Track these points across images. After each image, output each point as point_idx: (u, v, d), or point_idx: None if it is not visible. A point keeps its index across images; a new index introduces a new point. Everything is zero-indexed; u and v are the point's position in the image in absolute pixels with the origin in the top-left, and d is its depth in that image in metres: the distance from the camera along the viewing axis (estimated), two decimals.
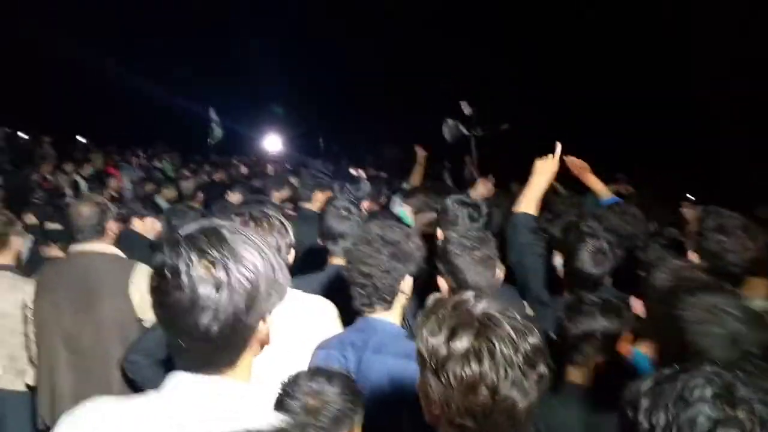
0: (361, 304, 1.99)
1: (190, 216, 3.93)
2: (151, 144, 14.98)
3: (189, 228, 1.08)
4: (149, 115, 16.98)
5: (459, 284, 2.17)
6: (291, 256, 2.12)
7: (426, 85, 15.29)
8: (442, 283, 2.27)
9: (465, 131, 8.29)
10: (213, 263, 1.02)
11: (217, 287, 1.01)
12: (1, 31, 13.70)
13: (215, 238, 1.05)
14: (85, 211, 2.68)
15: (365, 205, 3.97)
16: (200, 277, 1.01)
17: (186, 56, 17.16)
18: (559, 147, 2.70)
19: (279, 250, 1.98)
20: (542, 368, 1.12)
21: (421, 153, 5.95)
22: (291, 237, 2.08)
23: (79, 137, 14.93)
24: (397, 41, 16.20)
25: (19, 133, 13.13)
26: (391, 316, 2.01)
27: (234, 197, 6.03)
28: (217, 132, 14.86)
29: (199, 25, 17.64)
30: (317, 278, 2.71)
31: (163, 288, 1.03)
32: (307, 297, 2.17)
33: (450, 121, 8.02)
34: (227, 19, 17.56)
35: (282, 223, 2.09)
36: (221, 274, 1.01)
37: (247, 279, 1.03)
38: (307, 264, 3.00)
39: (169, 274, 1.02)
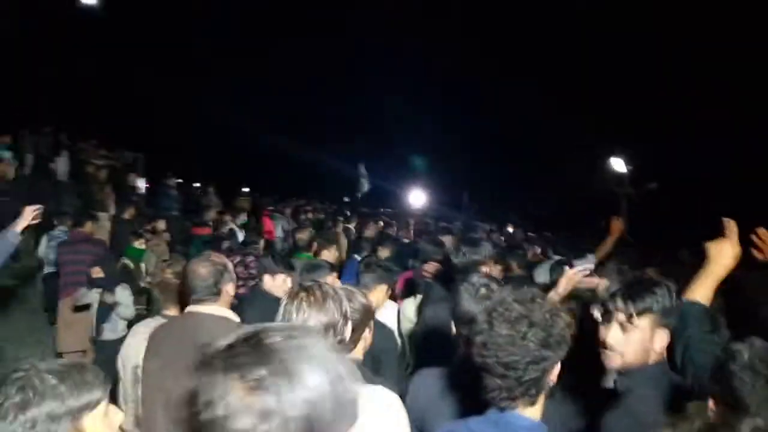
0: (498, 398, 1.61)
1: (322, 271, 3.78)
2: (304, 196, 15.83)
3: (228, 338, 0.84)
4: (304, 170, 18.11)
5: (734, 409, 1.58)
6: (348, 329, 1.90)
7: (576, 142, 14.56)
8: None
9: (616, 189, 7.72)
10: (257, 385, 0.76)
11: (264, 417, 0.75)
12: (184, 102, 15.58)
13: (261, 349, 0.80)
14: (201, 271, 2.51)
15: (488, 269, 3.44)
16: (240, 405, 0.75)
17: (335, 112, 18.25)
18: (732, 226, 2.21)
19: (334, 326, 1.83)
20: None
21: (617, 225, 4.98)
22: (346, 306, 1.89)
23: (244, 189, 16.26)
24: (534, 99, 15.75)
25: (194, 184, 14.59)
26: (534, 412, 1.64)
27: (383, 252, 5.93)
28: (365, 186, 15.32)
29: (343, 82, 18.69)
30: (444, 373, 2.21)
31: (193, 423, 0.77)
32: (369, 391, 1.82)
33: (599, 178, 7.57)
34: (374, 77, 18.34)
35: (335, 292, 1.87)
36: (269, 400, 0.76)
37: (306, 401, 0.78)
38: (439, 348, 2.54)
39: (199, 406, 0.76)
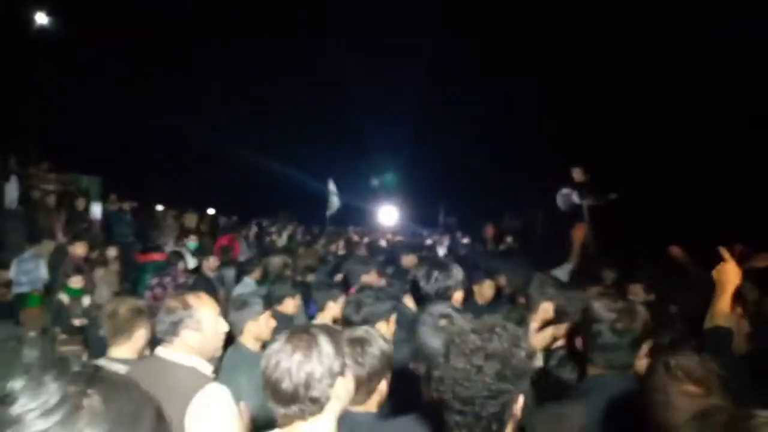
0: None
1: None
2: (273, 216, 15.28)
3: None
4: (272, 189, 17.56)
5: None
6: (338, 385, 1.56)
7: (544, 154, 14.25)
8: None
9: (577, 200, 7.63)
10: None
11: None
12: (146, 123, 14.99)
13: None
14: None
15: (457, 297, 3.16)
16: None
17: (304, 128, 17.77)
18: (727, 252, 2.44)
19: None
20: None
21: (578, 231, 5.18)
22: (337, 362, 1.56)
23: (210, 211, 15.60)
24: (509, 113, 15.48)
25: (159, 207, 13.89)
26: None
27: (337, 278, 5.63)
28: (335, 203, 14.80)
29: (315, 97, 18.25)
30: (404, 423, 1.87)
31: None
32: None
33: (564, 191, 7.40)
34: (346, 93, 17.96)
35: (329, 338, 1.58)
36: None
37: None
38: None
39: None
